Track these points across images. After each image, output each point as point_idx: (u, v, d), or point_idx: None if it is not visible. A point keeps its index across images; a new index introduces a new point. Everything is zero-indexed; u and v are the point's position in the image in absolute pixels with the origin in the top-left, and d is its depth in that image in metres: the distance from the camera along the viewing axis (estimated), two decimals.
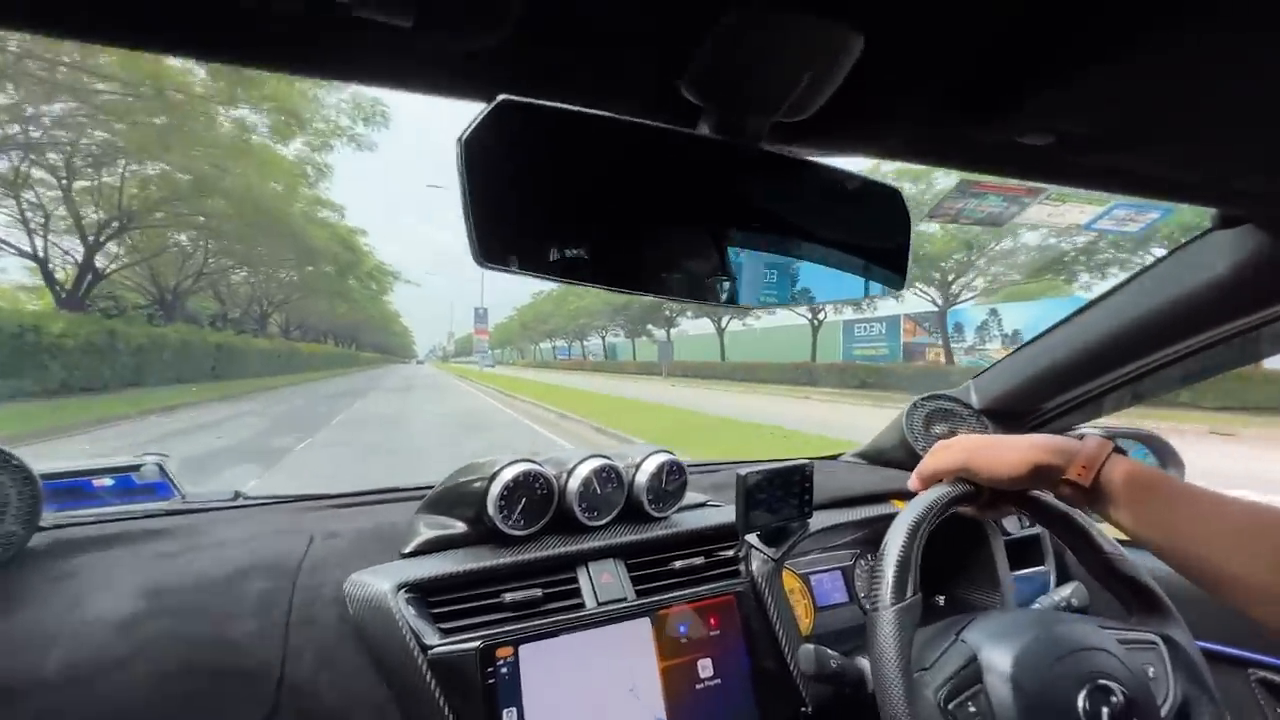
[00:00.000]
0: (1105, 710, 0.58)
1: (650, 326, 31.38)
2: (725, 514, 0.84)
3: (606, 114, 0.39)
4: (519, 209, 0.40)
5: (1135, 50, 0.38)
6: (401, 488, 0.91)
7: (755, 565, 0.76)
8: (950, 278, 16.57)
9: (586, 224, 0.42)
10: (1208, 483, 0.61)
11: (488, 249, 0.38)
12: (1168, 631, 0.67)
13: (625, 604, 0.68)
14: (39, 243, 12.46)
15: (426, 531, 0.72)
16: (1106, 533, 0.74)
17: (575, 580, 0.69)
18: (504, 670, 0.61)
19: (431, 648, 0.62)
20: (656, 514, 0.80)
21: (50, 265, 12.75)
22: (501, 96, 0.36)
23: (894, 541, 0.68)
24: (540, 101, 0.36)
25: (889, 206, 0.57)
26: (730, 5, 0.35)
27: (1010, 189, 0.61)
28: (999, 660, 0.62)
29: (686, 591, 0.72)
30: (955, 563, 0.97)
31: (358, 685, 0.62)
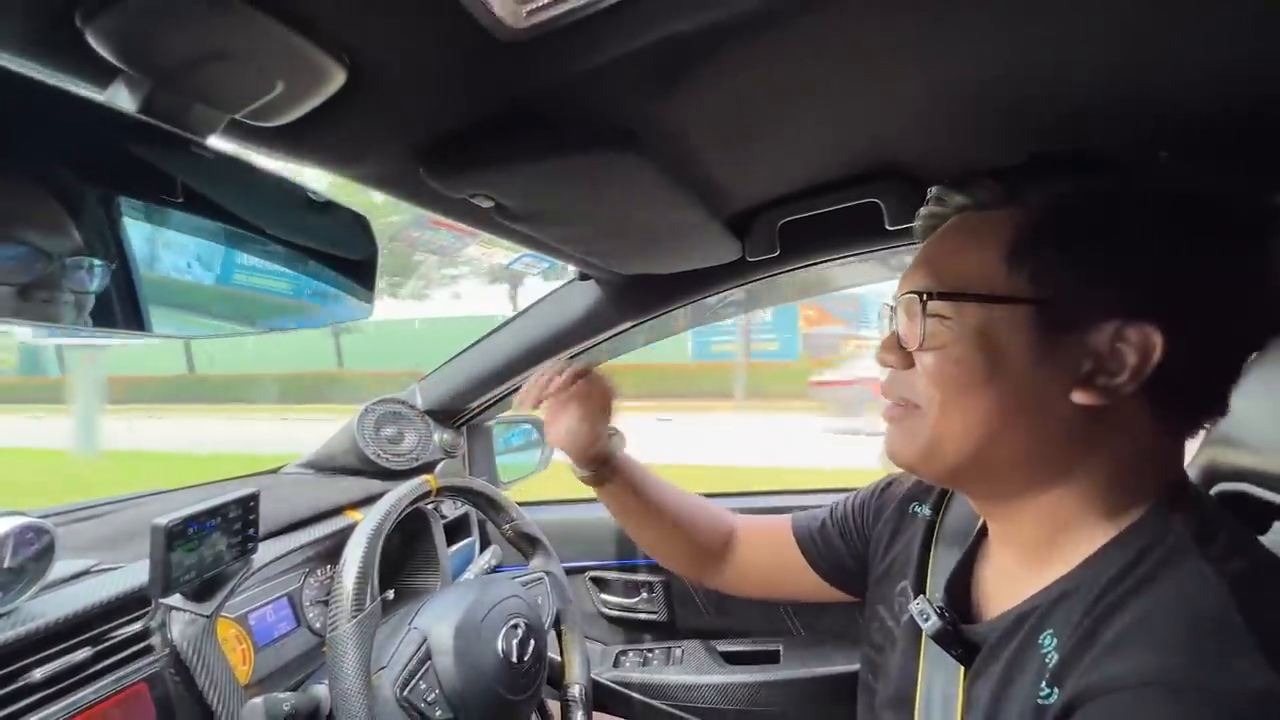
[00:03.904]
0: (515, 642, 0.76)
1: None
2: (124, 578, 0.64)
3: None
4: None
5: (547, 169, 0.52)
6: None
7: (178, 631, 0.61)
8: None
9: None
10: None
11: None
12: (549, 567, 0.94)
13: None
14: None
15: None
16: (513, 501, 0.97)
17: None
18: None
19: None
20: None
21: None
22: None
23: (353, 554, 0.69)
24: None
25: (354, 228, 0.57)
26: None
27: (458, 228, 0.72)
28: (443, 634, 0.72)
29: (61, 706, 0.51)
30: (401, 554, 1.04)
31: None
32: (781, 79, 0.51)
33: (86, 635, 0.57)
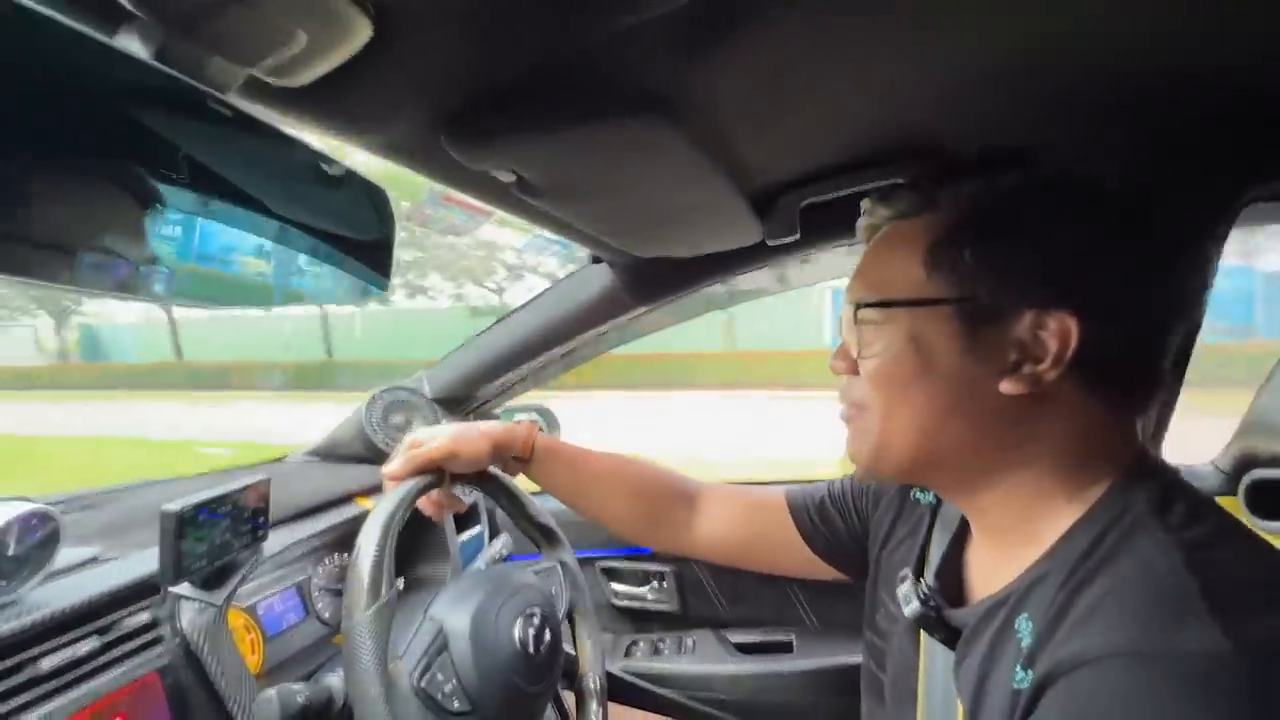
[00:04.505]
0: (531, 632, 0.75)
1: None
2: (131, 566, 0.62)
3: None
4: None
5: (575, 140, 0.50)
6: None
7: (188, 620, 0.59)
8: None
9: None
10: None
11: None
12: (563, 557, 0.92)
13: None
14: None
15: None
16: (525, 490, 0.95)
17: None
18: None
19: None
20: None
21: None
22: None
23: (368, 542, 0.66)
24: None
25: (373, 203, 0.55)
26: None
27: (470, 205, 0.69)
28: (459, 624, 0.70)
29: (69, 697, 0.49)
30: (411, 544, 1.03)
31: None
32: (815, 48, 0.49)
33: (94, 625, 0.55)
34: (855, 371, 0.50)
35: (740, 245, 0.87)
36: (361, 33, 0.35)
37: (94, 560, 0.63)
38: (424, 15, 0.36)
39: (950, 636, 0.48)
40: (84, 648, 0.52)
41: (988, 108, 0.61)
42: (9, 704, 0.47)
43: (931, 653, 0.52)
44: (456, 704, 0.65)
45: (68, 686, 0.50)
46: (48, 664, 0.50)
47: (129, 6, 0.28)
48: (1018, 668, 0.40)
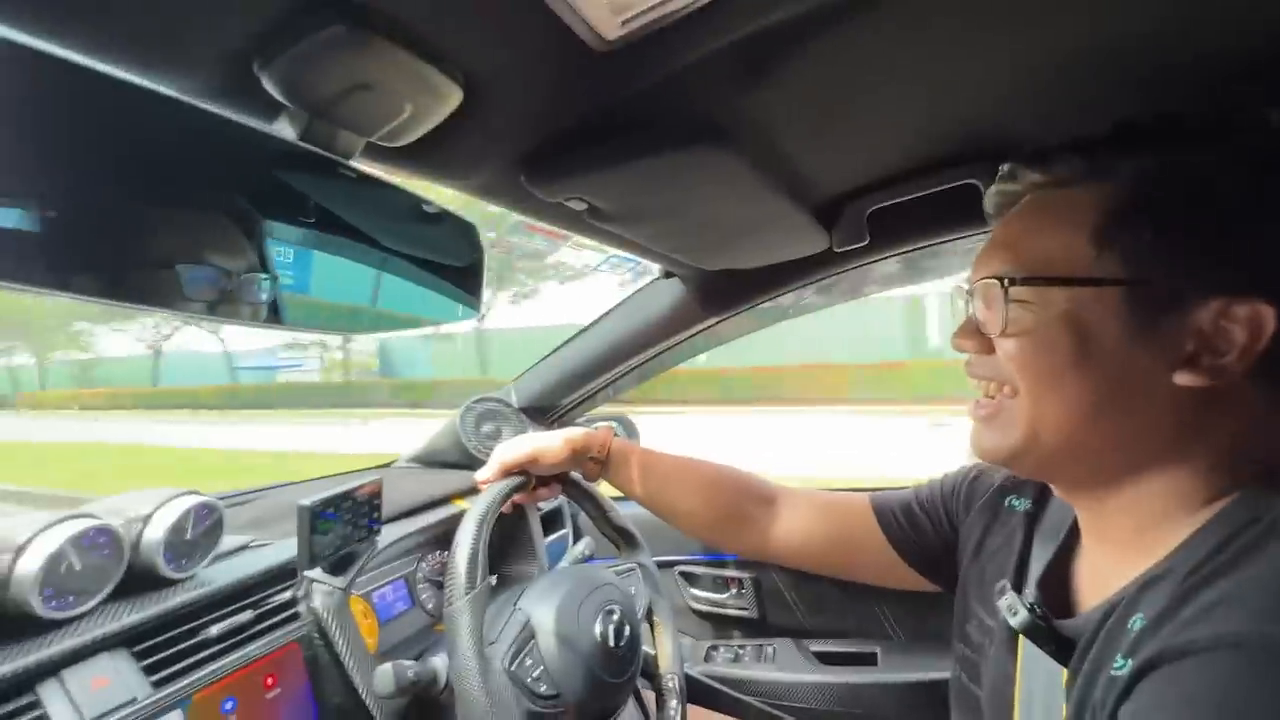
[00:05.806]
0: (611, 627, 0.79)
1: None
2: (275, 553, 0.73)
3: (137, 81, 0.31)
4: None
5: (639, 170, 0.54)
6: None
7: (319, 601, 0.69)
8: None
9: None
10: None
11: None
12: (641, 559, 0.96)
13: (137, 707, 0.52)
14: None
15: None
16: (605, 494, 1.00)
17: (38, 705, 0.47)
18: None
19: None
20: (176, 574, 0.62)
21: None
22: None
23: (464, 537, 0.74)
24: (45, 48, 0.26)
25: (464, 237, 0.62)
26: (337, 23, 0.33)
27: (550, 233, 0.76)
28: (545, 616, 0.76)
29: (232, 658, 0.60)
30: (501, 544, 1.11)
31: None
32: (872, 61, 0.50)
33: (248, 600, 0.66)
34: (988, 350, 0.46)
35: (807, 254, 0.88)
36: (454, 98, 0.42)
37: (246, 547, 0.74)
38: (504, 77, 0.42)
39: (1060, 648, 0.46)
40: (242, 618, 0.63)
41: (1064, 103, 0.59)
42: (191, 659, 0.57)
43: (1030, 664, 0.50)
44: (544, 689, 0.71)
45: (232, 649, 0.61)
46: (216, 630, 0.61)
47: (283, 100, 0.36)
48: (1119, 656, 0.38)
